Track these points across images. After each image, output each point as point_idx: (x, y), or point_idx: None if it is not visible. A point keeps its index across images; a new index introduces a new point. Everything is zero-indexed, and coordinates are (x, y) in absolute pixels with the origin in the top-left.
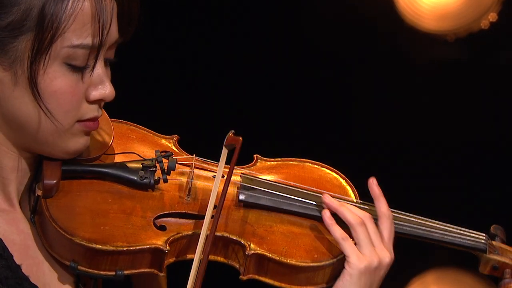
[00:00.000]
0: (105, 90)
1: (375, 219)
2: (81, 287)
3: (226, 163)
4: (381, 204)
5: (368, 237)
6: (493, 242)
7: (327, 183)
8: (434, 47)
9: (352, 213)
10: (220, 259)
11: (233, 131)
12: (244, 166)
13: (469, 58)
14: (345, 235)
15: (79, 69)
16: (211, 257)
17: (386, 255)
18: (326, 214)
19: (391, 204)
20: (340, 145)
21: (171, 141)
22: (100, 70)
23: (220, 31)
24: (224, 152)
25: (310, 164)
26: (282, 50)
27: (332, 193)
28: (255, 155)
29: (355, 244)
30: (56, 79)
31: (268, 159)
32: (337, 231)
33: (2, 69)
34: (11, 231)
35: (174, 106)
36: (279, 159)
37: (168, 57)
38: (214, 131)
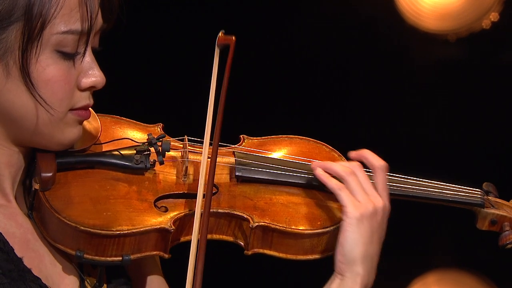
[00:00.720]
0: (96, 76)
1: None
2: (85, 278)
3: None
4: (371, 159)
5: (360, 185)
6: (489, 197)
7: (317, 155)
8: (435, 47)
9: (341, 165)
10: (223, 237)
11: (223, 30)
12: (232, 146)
13: (470, 58)
14: (341, 185)
15: (70, 56)
16: (215, 236)
17: (379, 200)
18: (318, 171)
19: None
20: (339, 146)
21: (157, 129)
22: (89, 57)
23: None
24: (217, 53)
25: (298, 139)
26: (281, 49)
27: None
28: (241, 136)
29: None
30: (48, 67)
31: (255, 137)
32: (333, 182)
33: None
34: (10, 225)
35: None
36: (266, 137)
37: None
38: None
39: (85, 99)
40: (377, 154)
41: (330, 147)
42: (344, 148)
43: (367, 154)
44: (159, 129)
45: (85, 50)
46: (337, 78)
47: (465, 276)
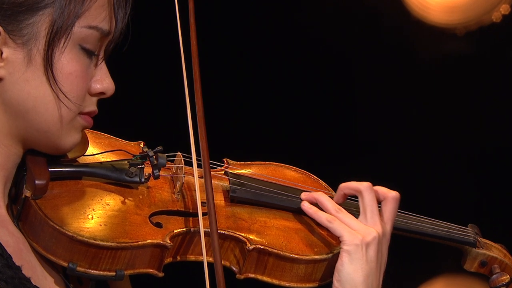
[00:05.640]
0: (108, 83)
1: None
2: None
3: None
4: (383, 190)
5: (353, 217)
6: (478, 238)
7: (303, 183)
8: (443, 41)
9: (332, 202)
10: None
11: None
12: (216, 169)
13: (480, 53)
14: (330, 217)
15: (89, 55)
16: (207, 259)
17: (378, 227)
18: (305, 205)
19: None
20: (341, 143)
21: (139, 147)
22: (103, 63)
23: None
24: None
25: (284, 167)
26: (281, 45)
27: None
28: (224, 159)
29: None
30: (72, 60)
31: (237, 162)
32: (322, 216)
33: (15, 47)
34: (3, 233)
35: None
36: (249, 162)
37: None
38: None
39: (92, 104)
40: (379, 151)
41: (315, 176)
42: (343, 146)
43: (378, 188)
44: (141, 146)
45: (108, 52)
46: (339, 72)
47: (473, 281)
